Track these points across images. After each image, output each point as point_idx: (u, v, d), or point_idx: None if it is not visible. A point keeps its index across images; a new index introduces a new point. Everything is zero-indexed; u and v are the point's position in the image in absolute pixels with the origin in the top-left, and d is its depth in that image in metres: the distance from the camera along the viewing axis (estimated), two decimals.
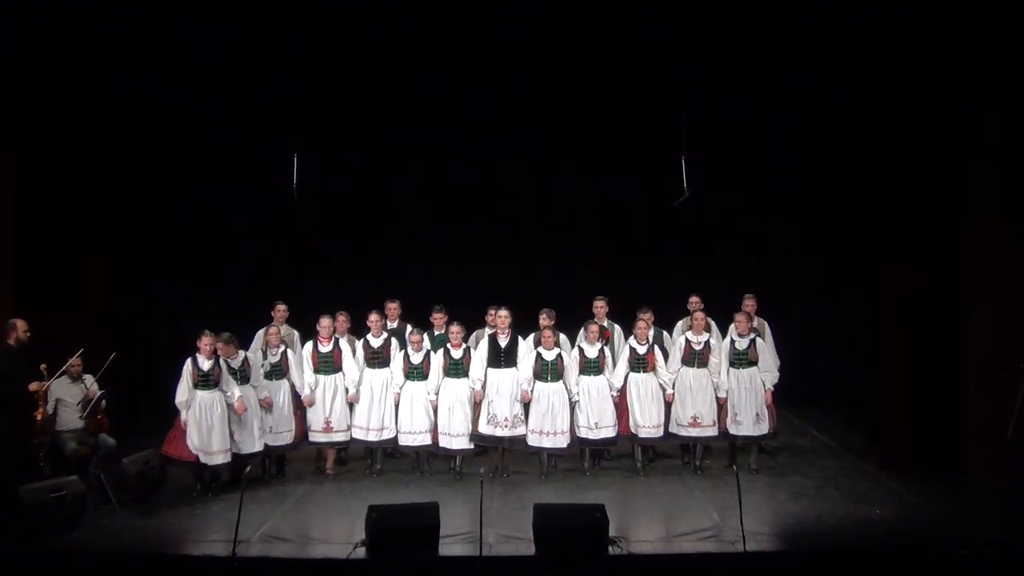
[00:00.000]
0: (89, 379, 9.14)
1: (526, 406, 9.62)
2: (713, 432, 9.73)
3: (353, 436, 9.77)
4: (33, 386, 8.66)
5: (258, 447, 9.43)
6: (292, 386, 9.73)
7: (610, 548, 7.40)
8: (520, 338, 9.82)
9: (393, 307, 10.47)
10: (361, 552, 7.41)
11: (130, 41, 10.72)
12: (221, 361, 9.21)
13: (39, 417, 8.76)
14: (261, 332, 9.99)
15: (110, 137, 10.58)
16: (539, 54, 11.72)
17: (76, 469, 8.71)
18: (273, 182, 11.50)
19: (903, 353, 9.72)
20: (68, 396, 9.00)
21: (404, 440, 9.70)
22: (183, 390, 9.10)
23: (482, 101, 12.73)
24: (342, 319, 10.11)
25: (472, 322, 10.37)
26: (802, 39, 11.35)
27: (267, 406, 9.50)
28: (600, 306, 10.22)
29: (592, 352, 9.76)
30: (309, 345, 9.83)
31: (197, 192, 12.87)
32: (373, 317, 9.97)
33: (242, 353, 9.46)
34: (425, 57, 11.80)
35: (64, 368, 8.94)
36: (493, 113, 12.96)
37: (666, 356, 9.89)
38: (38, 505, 7.84)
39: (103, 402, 9.12)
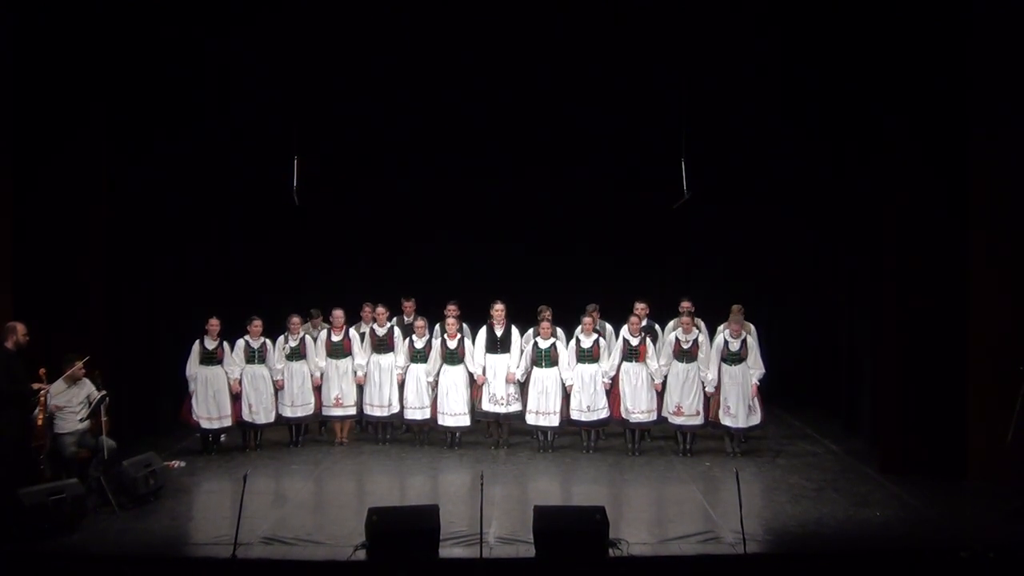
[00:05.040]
0: (86, 381, 9.13)
1: (521, 387, 10.82)
2: (697, 421, 10.59)
3: (365, 412, 11.18)
4: (35, 385, 8.68)
5: (266, 419, 10.89)
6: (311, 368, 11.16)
7: (610, 550, 7.40)
8: (515, 329, 10.91)
9: (409, 305, 11.59)
10: (361, 555, 7.41)
11: (132, 43, 10.73)
12: (225, 344, 10.77)
13: (39, 421, 8.77)
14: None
15: (111, 140, 10.56)
16: (541, 60, 11.80)
17: (76, 472, 8.71)
18: (277, 184, 11.60)
19: (903, 356, 9.72)
20: (67, 400, 8.99)
21: (408, 415, 10.99)
22: (191, 365, 10.67)
23: (485, 105, 12.86)
24: (368, 310, 11.47)
25: (478, 316, 11.29)
26: (803, 50, 11.41)
27: (279, 387, 10.94)
28: (591, 315, 10.98)
29: (587, 343, 10.73)
30: (324, 333, 11.17)
31: (200, 194, 12.88)
32: (380, 309, 11.25)
33: (263, 338, 10.96)
34: (429, 66, 11.92)
35: (69, 372, 8.94)
36: (496, 118, 13.08)
37: (654, 342, 10.84)
38: (38, 508, 7.83)
39: (105, 401, 9.10)
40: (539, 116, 13.08)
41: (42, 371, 8.87)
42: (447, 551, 7.52)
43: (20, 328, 8.68)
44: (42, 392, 8.79)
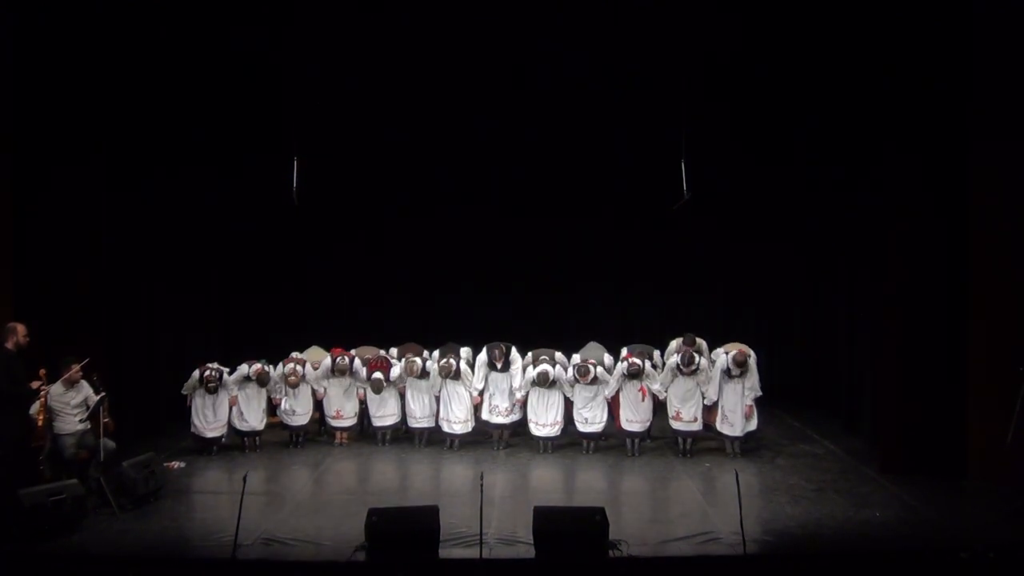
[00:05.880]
0: (84, 384, 9.13)
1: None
2: (695, 427, 10.77)
3: (373, 423, 11.33)
4: (35, 384, 8.68)
5: (259, 427, 11.07)
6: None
7: (610, 551, 7.40)
8: (515, 349, 11.14)
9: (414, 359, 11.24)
10: (361, 555, 7.41)
11: (135, 45, 10.74)
12: (224, 372, 10.91)
13: (39, 421, 8.76)
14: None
15: (112, 143, 10.56)
16: (538, 68, 11.92)
17: (76, 472, 8.71)
18: (274, 195, 11.67)
19: (903, 356, 9.72)
20: (65, 403, 8.99)
21: (412, 423, 11.23)
22: (188, 387, 10.85)
23: (484, 124, 13.03)
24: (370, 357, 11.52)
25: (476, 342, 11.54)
26: (803, 58, 11.48)
27: (276, 404, 11.19)
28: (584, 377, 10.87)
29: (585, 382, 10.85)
30: (327, 361, 11.30)
31: (200, 199, 12.89)
32: (376, 375, 11.09)
33: (269, 371, 11.11)
34: (422, 82, 12.08)
35: (67, 375, 8.93)
36: (495, 139, 13.28)
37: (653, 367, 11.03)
38: (38, 508, 7.83)
39: (105, 402, 9.09)
40: (537, 138, 13.22)
41: (42, 372, 8.87)
42: (447, 552, 7.52)
43: (20, 329, 8.68)
44: (43, 392, 8.80)
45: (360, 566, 7.37)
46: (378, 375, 11.05)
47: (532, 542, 7.49)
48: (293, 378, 11.02)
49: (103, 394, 9.11)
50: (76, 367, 8.97)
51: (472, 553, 7.37)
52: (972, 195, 9.48)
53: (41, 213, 9.91)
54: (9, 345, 8.58)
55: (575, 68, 11.87)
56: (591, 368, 10.78)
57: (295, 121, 11.33)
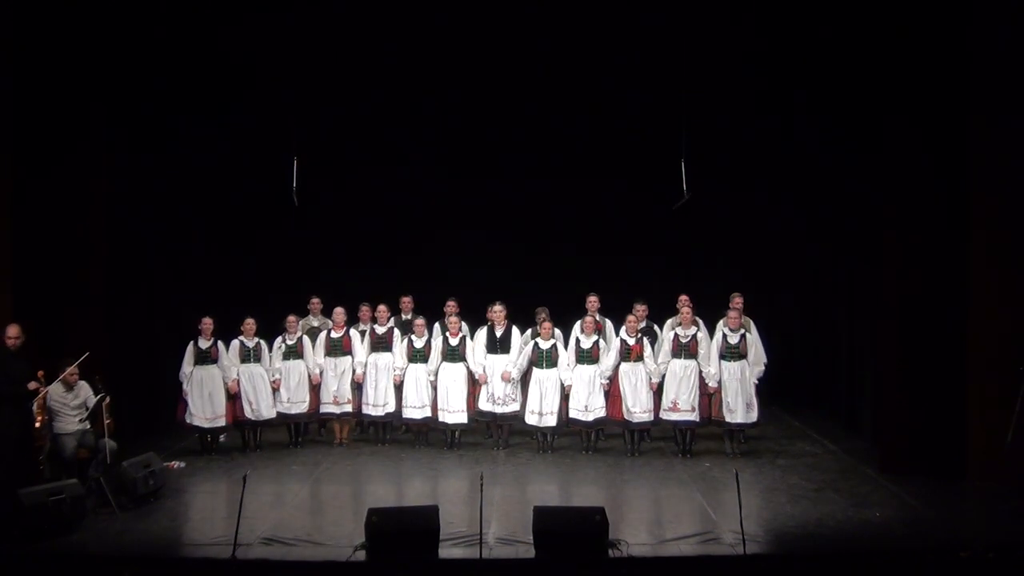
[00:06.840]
0: (84, 385, 9.12)
1: (521, 386, 10.85)
2: (692, 417, 10.53)
3: (362, 411, 11.12)
4: (32, 385, 8.66)
5: (268, 415, 10.89)
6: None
7: (610, 551, 7.40)
8: (516, 328, 10.96)
9: (407, 301, 11.63)
10: (361, 555, 7.41)
11: (132, 44, 10.74)
12: (220, 343, 10.77)
13: (37, 423, 8.76)
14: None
15: (111, 140, 10.56)
16: (539, 59, 11.82)
17: (76, 472, 8.71)
18: (276, 183, 11.63)
19: (902, 356, 9.71)
20: (63, 402, 8.99)
21: (407, 414, 10.97)
22: (185, 365, 10.70)
23: (485, 104, 12.89)
24: (365, 311, 11.41)
25: (477, 316, 11.43)
26: (802, 48, 11.44)
27: (275, 387, 10.90)
28: (592, 301, 11.14)
29: (587, 344, 10.75)
30: (323, 334, 11.20)
31: (200, 194, 12.88)
32: (381, 307, 11.28)
33: (257, 339, 11.00)
34: (426, 65, 11.96)
35: (62, 376, 8.92)
36: (495, 118, 13.10)
37: (652, 343, 10.79)
38: (38, 508, 7.83)
39: (106, 401, 9.09)
40: (538, 115, 13.10)
41: (40, 373, 8.86)
42: (447, 552, 7.52)
43: (11, 330, 8.65)
44: (42, 393, 8.79)
45: (360, 566, 7.37)
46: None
47: (532, 542, 7.48)
48: (292, 319, 10.98)
49: (102, 395, 9.10)
50: (71, 368, 8.96)
51: (472, 553, 7.37)
52: (973, 194, 9.48)
53: (40, 213, 9.88)
54: (7, 345, 8.58)
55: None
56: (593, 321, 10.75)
57: (294, 115, 11.34)
